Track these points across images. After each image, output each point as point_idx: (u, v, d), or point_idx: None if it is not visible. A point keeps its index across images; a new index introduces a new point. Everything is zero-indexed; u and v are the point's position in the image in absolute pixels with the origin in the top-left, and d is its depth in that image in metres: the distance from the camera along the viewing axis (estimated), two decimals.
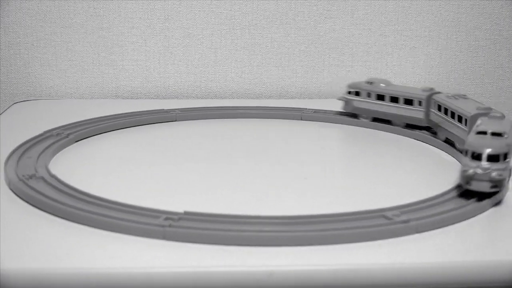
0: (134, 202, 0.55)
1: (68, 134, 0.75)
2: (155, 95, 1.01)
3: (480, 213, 0.56)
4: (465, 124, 0.68)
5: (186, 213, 0.53)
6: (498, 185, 0.56)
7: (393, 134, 0.82)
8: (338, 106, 0.91)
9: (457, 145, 0.71)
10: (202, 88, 1.01)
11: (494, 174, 0.55)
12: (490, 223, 0.55)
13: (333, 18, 1.00)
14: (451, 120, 0.72)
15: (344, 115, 0.87)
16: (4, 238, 0.49)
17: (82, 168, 0.68)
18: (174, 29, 0.99)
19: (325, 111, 0.89)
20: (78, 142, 0.75)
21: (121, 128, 0.81)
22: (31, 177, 0.60)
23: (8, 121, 0.84)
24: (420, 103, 0.78)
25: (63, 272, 0.45)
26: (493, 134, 0.59)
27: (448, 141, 0.74)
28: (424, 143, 0.78)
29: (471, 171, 0.56)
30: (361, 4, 1.00)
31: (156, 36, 0.99)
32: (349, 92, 0.85)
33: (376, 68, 1.03)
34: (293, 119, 0.88)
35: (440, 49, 1.03)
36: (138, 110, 0.87)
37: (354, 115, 0.85)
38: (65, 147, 0.73)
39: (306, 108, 0.90)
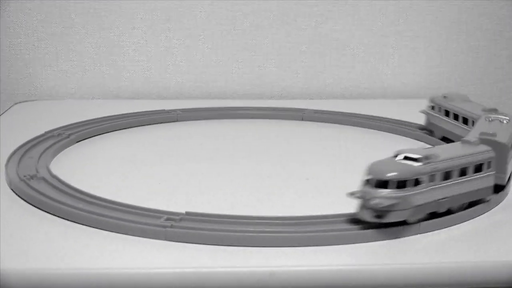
0: (135, 202, 0.55)
1: (69, 135, 0.75)
2: (156, 96, 1.01)
3: (481, 214, 0.56)
4: None
5: (187, 213, 0.53)
6: (382, 216, 0.50)
7: (393, 134, 0.82)
8: (339, 106, 0.91)
9: None
10: (203, 89, 1.01)
11: (373, 202, 0.49)
12: (490, 223, 0.55)
13: (334, 19, 1.00)
14: None
15: (342, 115, 0.87)
16: (4, 238, 0.49)
17: (83, 168, 0.68)
18: (175, 29, 0.99)
19: (326, 112, 0.89)
20: (79, 142, 0.75)
21: (122, 129, 0.81)
22: (32, 177, 0.60)
23: (9, 122, 0.84)
24: (473, 123, 0.71)
25: (63, 272, 0.45)
26: (406, 158, 0.52)
27: None
28: (424, 143, 0.78)
29: (356, 196, 0.50)
30: (362, 5, 1.00)
31: (157, 36, 0.98)
32: (428, 106, 0.80)
33: (377, 69, 1.03)
34: (294, 119, 0.88)
35: (440, 50, 1.03)
36: (139, 110, 0.87)
37: (430, 131, 0.80)
38: (66, 148, 0.73)
39: (307, 109, 0.90)
